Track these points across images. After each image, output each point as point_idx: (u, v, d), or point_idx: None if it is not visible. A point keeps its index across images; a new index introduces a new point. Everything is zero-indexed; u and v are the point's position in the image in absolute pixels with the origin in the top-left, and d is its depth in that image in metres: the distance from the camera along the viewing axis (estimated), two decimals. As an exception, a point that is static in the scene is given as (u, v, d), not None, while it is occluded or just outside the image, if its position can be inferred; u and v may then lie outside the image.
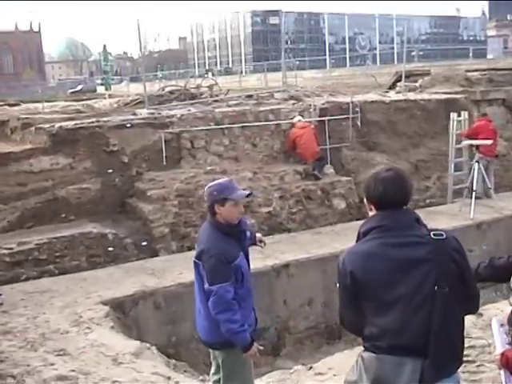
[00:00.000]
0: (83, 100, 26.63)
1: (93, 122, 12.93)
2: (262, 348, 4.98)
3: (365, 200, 3.31)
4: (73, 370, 6.54)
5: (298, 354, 10.29)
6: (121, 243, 11.73)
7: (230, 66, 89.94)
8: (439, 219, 12.74)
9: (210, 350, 5.13)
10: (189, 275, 10.12)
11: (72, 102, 25.61)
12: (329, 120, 14.94)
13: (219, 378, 5.06)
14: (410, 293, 3.05)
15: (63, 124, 12.64)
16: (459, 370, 3.22)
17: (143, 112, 14.47)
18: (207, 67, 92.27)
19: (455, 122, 14.85)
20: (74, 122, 12.73)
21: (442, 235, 3.12)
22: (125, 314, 9.11)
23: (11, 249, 10.74)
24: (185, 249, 11.97)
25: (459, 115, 15.12)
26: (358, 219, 12.70)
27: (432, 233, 3.13)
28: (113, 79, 40.40)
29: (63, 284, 9.93)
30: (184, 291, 9.25)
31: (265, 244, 5.48)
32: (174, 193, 12.49)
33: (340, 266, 3.22)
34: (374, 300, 3.13)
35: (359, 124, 15.42)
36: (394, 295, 3.06)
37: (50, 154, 12.36)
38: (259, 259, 9.95)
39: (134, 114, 14.38)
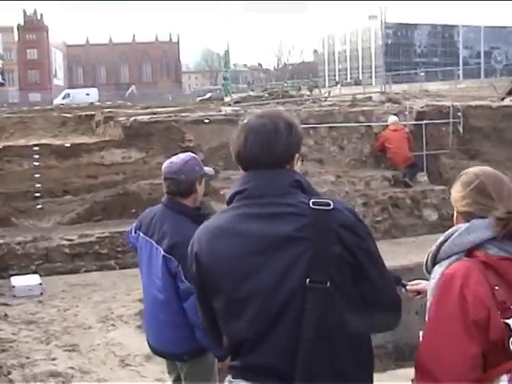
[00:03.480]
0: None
1: (169, 117, 12.51)
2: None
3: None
4: (72, 368, 6.02)
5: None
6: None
7: (360, 78, 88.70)
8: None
9: (168, 363, 4.28)
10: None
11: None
12: (426, 124, 13.72)
13: None
14: (269, 287, 2.08)
15: (138, 117, 12.32)
16: None
17: (227, 109, 13.94)
18: (337, 79, 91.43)
19: None
20: (149, 116, 12.36)
21: (328, 204, 2.11)
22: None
23: (71, 240, 10.47)
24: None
25: None
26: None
27: (312, 201, 2.12)
28: (232, 86, 40.62)
29: (111, 279, 9.52)
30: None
31: None
32: (248, 193, 11.83)
33: (188, 248, 2.32)
34: (221, 295, 2.19)
35: (461, 130, 14.07)
36: (248, 289, 2.11)
37: (123, 147, 12.05)
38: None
39: (219, 111, 13.89)
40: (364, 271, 2.13)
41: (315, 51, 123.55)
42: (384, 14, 16.88)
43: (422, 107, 14.32)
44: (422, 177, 13.31)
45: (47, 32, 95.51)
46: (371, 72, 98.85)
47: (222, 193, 11.91)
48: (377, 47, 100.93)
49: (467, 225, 2.23)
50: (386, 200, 12.51)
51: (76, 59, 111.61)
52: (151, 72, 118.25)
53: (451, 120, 13.92)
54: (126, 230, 4.48)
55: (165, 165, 3.94)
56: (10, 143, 11.96)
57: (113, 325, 7.43)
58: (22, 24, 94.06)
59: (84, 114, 14.43)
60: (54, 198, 11.51)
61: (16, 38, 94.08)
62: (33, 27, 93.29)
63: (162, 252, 3.76)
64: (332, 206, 2.10)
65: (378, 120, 13.70)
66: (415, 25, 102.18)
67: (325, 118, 13.41)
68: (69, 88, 74.74)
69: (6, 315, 7.62)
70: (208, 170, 4.04)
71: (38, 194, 11.36)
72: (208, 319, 2.33)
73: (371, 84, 62.00)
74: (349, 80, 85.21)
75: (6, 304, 8.15)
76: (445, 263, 2.22)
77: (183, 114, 12.87)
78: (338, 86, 57.05)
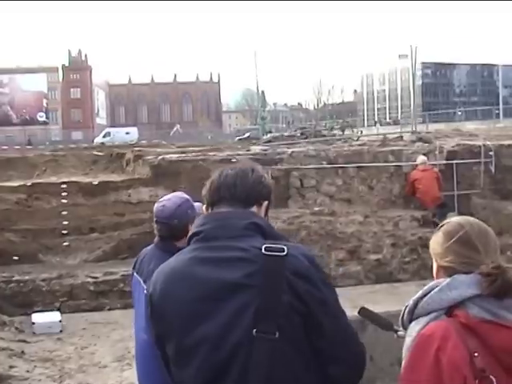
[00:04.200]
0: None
1: (197, 156, 12.58)
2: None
3: None
4: (82, 407, 5.96)
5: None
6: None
7: (399, 117, 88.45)
8: None
9: None
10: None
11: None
12: (457, 164, 13.53)
13: None
14: (215, 336, 1.98)
15: (166, 156, 12.41)
16: None
17: (256, 148, 13.98)
18: (376, 118, 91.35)
19: None
20: (177, 155, 12.45)
21: (281, 250, 2.00)
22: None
23: (96, 278, 10.51)
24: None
25: None
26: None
27: (265, 246, 2.02)
28: (271, 126, 40.92)
29: (132, 317, 9.45)
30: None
31: None
32: (273, 232, 11.76)
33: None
34: (171, 341, 2.09)
35: (492, 169, 13.83)
36: (195, 337, 2.01)
37: (150, 185, 12.14)
38: (345, 307, 8.93)
39: (248, 151, 13.93)
40: (317, 322, 2.00)
41: (355, 91, 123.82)
42: (415, 53, 16.80)
43: (452, 146, 14.14)
44: (452, 216, 13.06)
45: (90, 72, 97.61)
46: (410, 112, 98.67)
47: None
48: (415, 87, 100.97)
49: (448, 280, 2.01)
50: (415, 241, 12.29)
51: (118, 98, 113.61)
52: (192, 111, 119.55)
53: (483, 160, 13.71)
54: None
55: (157, 207, 3.79)
56: (40, 180, 12.14)
57: (128, 364, 7.36)
58: (67, 64, 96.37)
59: (115, 152, 14.61)
60: (80, 235, 11.60)
61: (60, 78, 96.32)
62: (77, 67, 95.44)
63: (144, 291, 3.70)
64: (286, 252, 2.00)
65: (407, 160, 13.57)
66: (454, 64, 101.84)
67: (353, 157, 13.35)
68: (110, 127, 76.07)
69: (22, 352, 7.62)
70: (198, 207, 3.98)
71: (65, 232, 11.46)
72: (167, 366, 2.22)
73: (410, 123, 61.77)
74: (387, 120, 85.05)
75: (24, 341, 8.17)
76: (422, 321, 2.01)
77: (211, 153, 12.94)
78: (377, 125, 56.99)
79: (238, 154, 13.01)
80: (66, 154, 14.49)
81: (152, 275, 3.76)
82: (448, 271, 2.07)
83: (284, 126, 76.03)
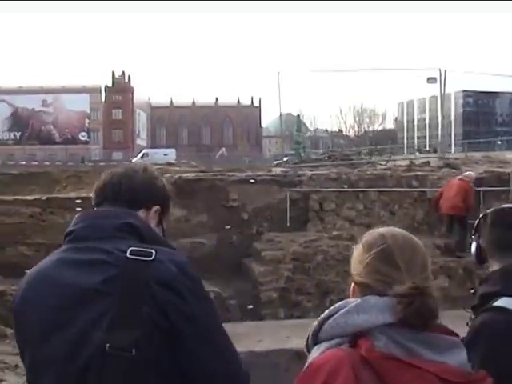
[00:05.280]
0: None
1: (215, 175, 12.45)
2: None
3: None
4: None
5: None
6: (223, 304, 10.94)
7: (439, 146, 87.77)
8: None
9: None
10: (267, 344, 9.12)
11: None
12: (485, 191, 13.11)
13: None
14: (68, 349, 1.72)
15: (183, 175, 12.29)
16: None
17: (278, 170, 13.81)
18: (416, 147, 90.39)
19: None
20: (194, 174, 12.33)
21: (148, 255, 1.75)
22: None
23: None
24: (294, 318, 10.90)
25: None
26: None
27: (131, 249, 1.77)
28: (304, 151, 40.78)
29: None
30: (252, 361, 8.16)
31: None
32: (290, 256, 11.52)
33: None
34: (27, 350, 1.84)
35: (521, 198, 13.41)
36: (50, 348, 1.75)
37: (166, 204, 12.00)
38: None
39: (269, 172, 13.76)
40: (182, 340, 1.74)
41: (396, 119, 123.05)
42: (444, 77, 16.49)
43: (480, 173, 13.75)
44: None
45: (132, 93, 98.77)
46: (450, 140, 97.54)
47: (263, 254, 11.67)
48: (456, 115, 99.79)
49: (359, 301, 1.65)
50: (437, 270, 11.88)
51: (160, 120, 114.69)
52: (232, 135, 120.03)
53: (512, 188, 13.31)
54: None
55: None
56: (55, 195, 12.13)
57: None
58: (110, 85, 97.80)
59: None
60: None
61: (103, 99, 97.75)
62: (119, 88, 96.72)
63: None
64: (153, 257, 1.76)
65: (432, 185, 13.20)
66: (496, 93, 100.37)
67: (376, 181, 13.06)
68: (151, 148, 76.80)
69: (16, 366, 7.46)
70: None
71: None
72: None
73: (450, 152, 60.98)
74: (427, 148, 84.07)
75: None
76: (323, 346, 1.66)
77: (229, 174, 12.78)
78: (416, 153, 56.29)
79: (258, 175, 12.84)
80: (88, 171, 14.49)
81: None
82: (363, 290, 1.72)
83: (321, 151, 75.88)
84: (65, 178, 13.98)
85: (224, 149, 77.67)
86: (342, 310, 1.65)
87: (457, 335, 1.70)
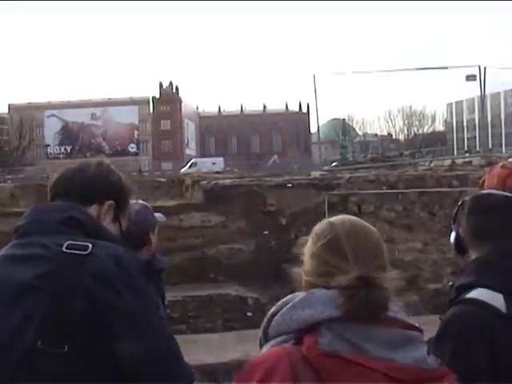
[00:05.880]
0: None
1: (252, 181, 12.43)
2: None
3: None
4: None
5: None
6: (261, 309, 10.90)
7: (490, 147, 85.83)
8: None
9: None
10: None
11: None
12: (528, 189, 12.78)
13: None
14: (3, 345, 1.71)
15: (220, 181, 12.31)
16: None
17: (316, 173, 13.72)
18: (466, 148, 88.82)
19: None
20: (231, 180, 12.33)
21: (84, 248, 1.73)
22: (216, 381, 8.19)
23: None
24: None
25: None
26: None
27: (68, 242, 1.76)
28: (353, 155, 40.62)
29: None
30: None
31: None
32: (329, 260, 11.41)
33: None
34: None
35: None
36: None
37: (203, 210, 12.05)
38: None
39: (308, 176, 13.70)
40: (115, 336, 1.69)
41: (445, 121, 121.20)
42: (483, 74, 16.10)
43: (524, 171, 13.39)
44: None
45: (180, 104, 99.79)
46: (501, 140, 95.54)
47: (301, 259, 11.59)
48: (506, 114, 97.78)
49: (304, 295, 1.56)
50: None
51: (208, 129, 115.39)
52: (281, 142, 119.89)
53: (558, 186, 12.90)
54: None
55: None
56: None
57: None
58: (158, 97, 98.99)
59: (177, 178, 14.68)
60: (136, 260, 11.61)
61: (151, 110, 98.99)
62: (167, 99, 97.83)
63: None
64: (89, 251, 1.73)
65: (473, 185, 12.91)
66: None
67: (415, 182, 12.83)
68: (200, 157, 77.45)
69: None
70: (159, 216, 3.77)
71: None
72: None
73: (501, 152, 59.70)
74: (478, 148, 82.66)
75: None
76: (270, 344, 1.57)
77: (266, 179, 12.75)
78: (467, 155, 55.35)
79: (295, 179, 12.78)
80: (140, 180, 14.67)
81: None
82: (312, 283, 1.63)
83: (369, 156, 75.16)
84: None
85: (276, 156, 77.81)
86: (288, 305, 1.56)
87: (418, 330, 1.60)
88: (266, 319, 1.62)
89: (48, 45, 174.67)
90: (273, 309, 1.61)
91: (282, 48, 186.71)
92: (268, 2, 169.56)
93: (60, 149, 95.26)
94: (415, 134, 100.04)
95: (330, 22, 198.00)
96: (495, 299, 1.98)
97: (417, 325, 1.60)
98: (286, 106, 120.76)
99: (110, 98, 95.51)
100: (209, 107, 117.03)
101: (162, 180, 14.62)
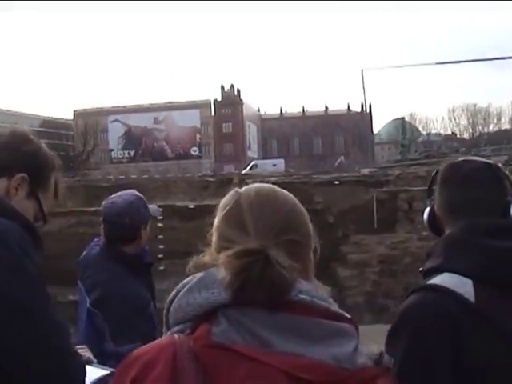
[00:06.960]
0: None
1: (298, 178, 12.17)
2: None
3: None
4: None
5: None
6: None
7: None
8: None
9: None
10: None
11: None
12: None
13: None
14: None
15: (265, 179, 12.10)
16: None
17: (365, 170, 13.37)
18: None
19: None
20: (276, 178, 12.10)
21: None
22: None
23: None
24: (381, 323, 10.41)
25: None
26: None
27: None
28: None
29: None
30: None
31: None
32: (377, 258, 11.07)
33: None
34: None
35: None
36: None
37: (247, 208, 11.86)
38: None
39: (358, 173, 13.36)
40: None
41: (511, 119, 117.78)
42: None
43: None
44: None
45: (242, 106, 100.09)
46: None
47: (348, 258, 11.29)
48: None
49: (201, 275, 1.27)
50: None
51: (270, 131, 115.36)
52: (343, 143, 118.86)
53: None
54: None
55: (105, 204, 3.35)
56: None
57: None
58: (219, 100, 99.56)
59: (225, 178, 14.54)
60: (176, 259, 11.50)
61: (212, 113, 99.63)
62: (229, 102, 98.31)
63: (88, 305, 3.27)
64: None
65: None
66: None
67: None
68: (262, 159, 77.43)
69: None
70: (153, 209, 3.54)
71: (160, 255, 11.40)
72: None
73: None
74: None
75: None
76: (167, 334, 1.29)
77: (314, 176, 12.47)
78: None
79: (343, 177, 12.45)
80: (176, 180, 14.60)
81: (97, 287, 3.38)
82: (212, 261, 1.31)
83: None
84: (152, 188, 14.12)
85: (343, 157, 77.12)
86: (185, 288, 1.27)
87: (349, 321, 1.27)
88: (166, 306, 1.31)
89: (111, 50, 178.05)
90: (172, 293, 1.30)
91: (343, 48, 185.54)
92: (332, 2, 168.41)
93: (124, 153, 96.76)
94: (480, 133, 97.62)
95: (393, 20, 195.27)
96: (462, 286, 1.62)
97: (347, 315, 1.27)
98: (348, 107, 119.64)
99: (171, 102, 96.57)
100: (270, 109, 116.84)
101: (211, 180, 14.48)
